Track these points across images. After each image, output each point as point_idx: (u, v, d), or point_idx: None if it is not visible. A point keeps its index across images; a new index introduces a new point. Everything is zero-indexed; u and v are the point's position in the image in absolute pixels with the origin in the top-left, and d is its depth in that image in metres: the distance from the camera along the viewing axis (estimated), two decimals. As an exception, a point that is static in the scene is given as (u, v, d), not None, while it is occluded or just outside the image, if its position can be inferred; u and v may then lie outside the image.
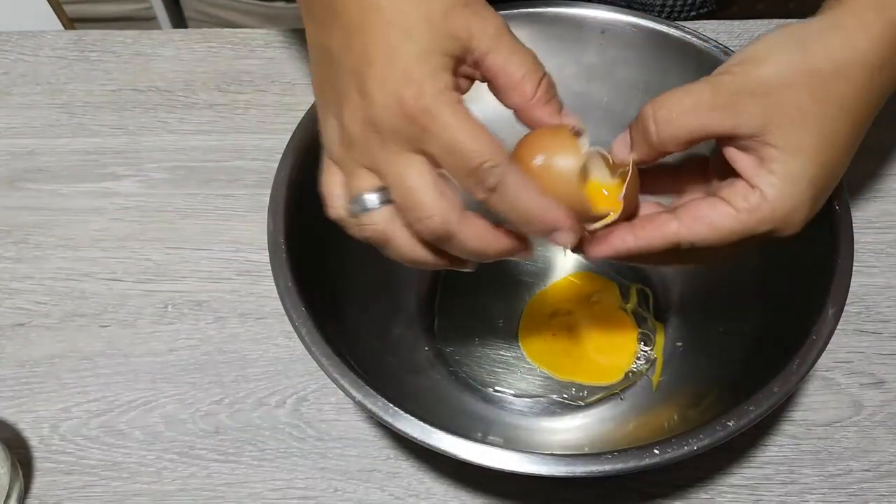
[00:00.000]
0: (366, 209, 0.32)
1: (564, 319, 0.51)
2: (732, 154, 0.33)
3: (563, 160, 0.32)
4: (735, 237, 0.33)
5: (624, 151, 0.35)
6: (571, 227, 0.32)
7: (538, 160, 0.32)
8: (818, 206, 0.34)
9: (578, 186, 0.33)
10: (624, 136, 0.35)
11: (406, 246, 0.32)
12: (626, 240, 0.34)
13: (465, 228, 0.31)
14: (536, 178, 0.32)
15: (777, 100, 0.32)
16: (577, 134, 0.33)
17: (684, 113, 0.32)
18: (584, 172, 0.33)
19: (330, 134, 0.33)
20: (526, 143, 0.33)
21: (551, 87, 0.33)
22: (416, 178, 0.30)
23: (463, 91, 0.32)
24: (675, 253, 0.34)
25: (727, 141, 0.33)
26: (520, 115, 0.33)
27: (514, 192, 0.30)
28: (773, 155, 0.32)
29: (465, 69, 0.32)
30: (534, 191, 0.31)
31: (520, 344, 0.50)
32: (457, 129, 0.30)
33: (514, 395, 0.48)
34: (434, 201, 0.30)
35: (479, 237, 0.32)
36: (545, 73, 0.32)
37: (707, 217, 0.33)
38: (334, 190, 0.33)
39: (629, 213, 0.35)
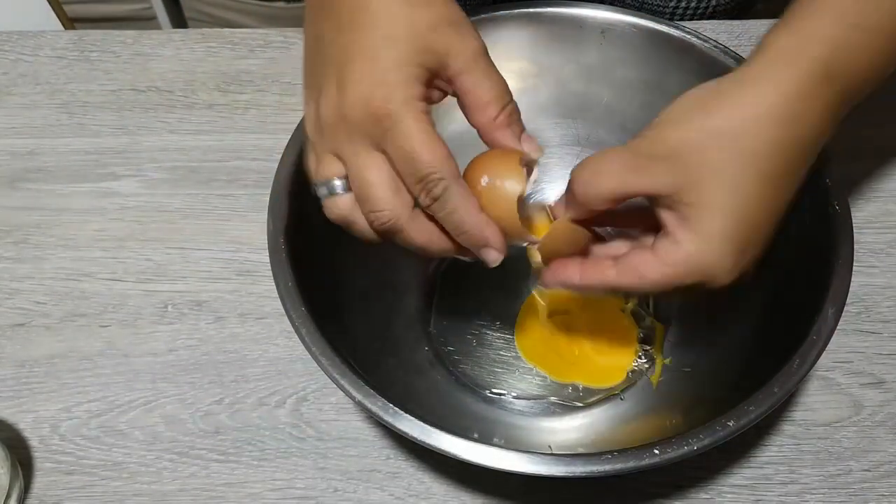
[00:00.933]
0: (333, 193, 0.35)
1: (562, 319, 0.51)
2: (659, 212, 0.35)
3: (506, 182, 0.35)
4: (662, 287, 0.35)
5: (561, 209, 0.39)
6: (499, 247, 0.35)
7: (483, 180, 0.35)
8: (747, 257, 0.35)
9: (514, 210, 0.35)
10: (562, 196, 0.38)
11: (366, 231, 0.35)
12: (573, 277, 0.38)
13: (414, 226, 0.34)
14: (479, 196, 0.34)
15: (684, 162, 0.34)
16: (530, 163, 0.36)
17: (603, 174, 0.35)
18: (521, 199, 0.36)
19: (309, 117, 0.35)
20: (476, 162, 0.36)
21: (514, 113, 0.35)
22: (375, 173, 0.33)
23: (433, 102, 0.34)
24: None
25: (652, 200, 0.35)
26: (481, 133, 0.36)
27: (454, 205, 0.33)
28: (690, 213, 0.34)
29: (439, 83, 0.34)
30: (473, 208, 0.34)
31: (516, 344, 0.50)
32: (414, 138, 0.32)
33: (514, 397, 0.48)
34: (386, 198, 0.33)
35: (424, 235, 0.34)
36: (511, 101, 0.35)
37: (637, 269, 0.36)
38: (310, 168, 0.36)
39: (577, 251, 0.39)
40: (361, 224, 0.35)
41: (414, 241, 0.34)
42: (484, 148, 0.36)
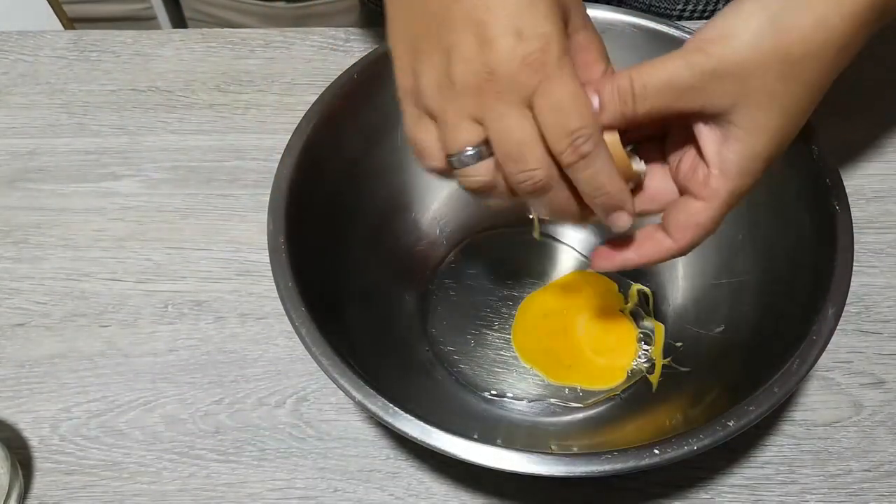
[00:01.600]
0: (474, 160, 0.33)
1: (558, 319, 0.51)
2: (699, 129, 0.34)
3: (612, 138, 0.34)
4: (718, 220, 0.35)
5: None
6: (631, 210, 0.34)
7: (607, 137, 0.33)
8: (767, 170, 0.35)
9: (629, 164, 0.35)
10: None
11: (506, 195, 0.34)
12: (629, 258, 0.37)
13: (561, 186, 0.33)
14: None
15: (747, 82, 0.32)
16: None
17: (659, 91, 0.33)
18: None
19: (426, 84, 0.33)
20: None
21: (612, 72, 0.35)
22: (529, 130, 0.32)
23: None
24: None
25: (693, 117, 0.34)
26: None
27: (600, 165, 0.32)
28: (737, 134, 0.33)
29: None
30: (614, 168, 0.33)
31: (513, 345, 0.50)
32: (571, 90, 0.31)
33: (514, 398, 0.48)
34: (541, 156, 0.32)
35: (568, 197, 0.34)
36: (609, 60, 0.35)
37: (689, 222, 0.35)
38: (429, 141, 0.34)
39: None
40: (502, 188, 0.34)
41: (559, 201, 0.33)
42: None
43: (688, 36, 0.47)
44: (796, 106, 0.33)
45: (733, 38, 0.32)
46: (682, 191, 0.36)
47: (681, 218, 0.35)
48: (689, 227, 0.35)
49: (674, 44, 0.48)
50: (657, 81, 0.33)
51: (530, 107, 0.31)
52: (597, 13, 0.49)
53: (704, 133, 0.34)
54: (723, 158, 0.34)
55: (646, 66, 0.33)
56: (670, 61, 0.33)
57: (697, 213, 0.35)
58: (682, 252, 0.36)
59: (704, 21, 0.65)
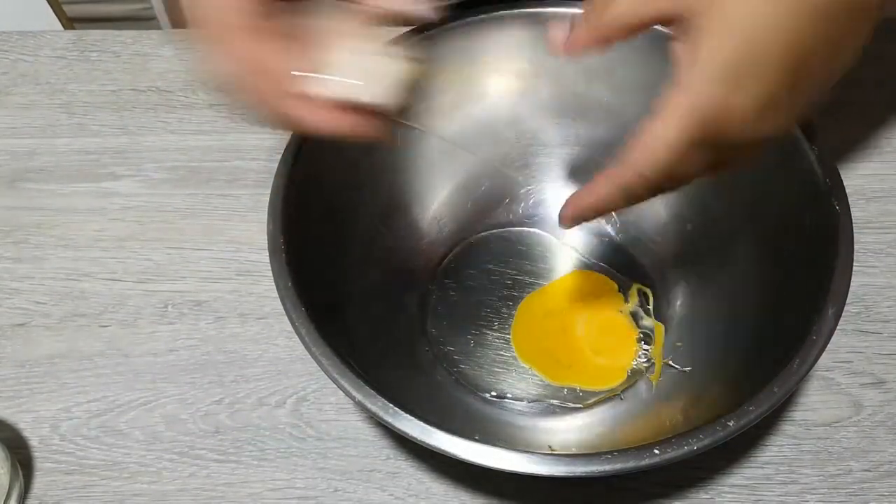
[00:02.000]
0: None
1: (558, 320, 0.51)
2: (673, 49, 0.31)
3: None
4: (675, 140, 0.31)
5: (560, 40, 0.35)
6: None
7: None
8: (777, 101, 0.30)
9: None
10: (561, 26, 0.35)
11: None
12: (583, 198, 0.35)
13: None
14: None
15: None
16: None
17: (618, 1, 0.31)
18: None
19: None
20: None
21: None
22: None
23: None
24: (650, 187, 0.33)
25: (671, 30, 0.31)
26: None
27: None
28: (701, 38, 0.29)
29: None
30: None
31: (513, 346, 0.50)
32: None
33: (513, 398, 0.48)
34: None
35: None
36: None
37: (644, 141, 0.31)
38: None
39: None
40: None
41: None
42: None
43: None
44: (773, 14, 0.29)
45: None
46: None
47: (638, 140, 0.32)
48: (640, 149, 0.31)
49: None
50: None
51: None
52: (597, 13, 0.48)
53: (676, 50, 0.31)
54: (686, 70, 0.30)
55: None
56: None
57: (653, 130, 0.31)
58: (635, 179, 0.32)
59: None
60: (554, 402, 0.48)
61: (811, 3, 0.29)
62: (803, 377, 0.37)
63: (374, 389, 0.36)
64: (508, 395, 0.48)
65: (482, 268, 0.53)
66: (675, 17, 0.30)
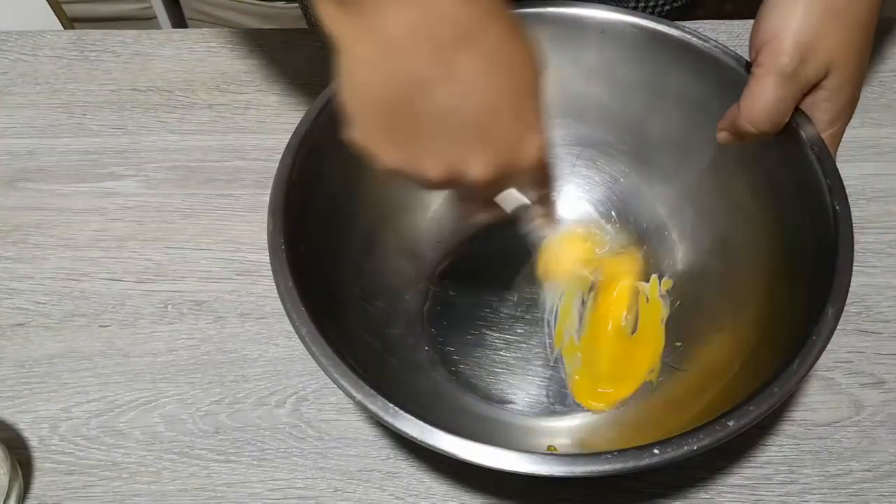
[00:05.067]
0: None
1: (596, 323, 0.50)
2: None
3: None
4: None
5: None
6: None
7: None
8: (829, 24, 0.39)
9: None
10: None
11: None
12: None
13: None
14: None
15: (817, 55, 0.39)
16: None
17: (782, 113, 0.41)
18: None
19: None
20: None
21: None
22: None
23: None
24: None
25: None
26: None
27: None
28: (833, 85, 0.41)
29: None
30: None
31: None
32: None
33: (513, 398, 0.48)
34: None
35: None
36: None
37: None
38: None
39: None
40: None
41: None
42: None
43: (687, 36, 0.47)
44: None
45: (786, 29, 0.39)
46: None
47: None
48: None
49: (673, 44, 0.48)
50: (779, 109, 0.41)
51: None
52: (596, 13, 0.49)
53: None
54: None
55: (755, 98, 0.41)
56: (772, 85, 0.40)
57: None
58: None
59: (697, 21, 0.65)
60: (555, 405, 0.48)
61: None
62: (803, 377, 0.37)
63: (374, 389, 0.36)
64: (508, 395, 0.48)
65: (482, 268, 0.53)
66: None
